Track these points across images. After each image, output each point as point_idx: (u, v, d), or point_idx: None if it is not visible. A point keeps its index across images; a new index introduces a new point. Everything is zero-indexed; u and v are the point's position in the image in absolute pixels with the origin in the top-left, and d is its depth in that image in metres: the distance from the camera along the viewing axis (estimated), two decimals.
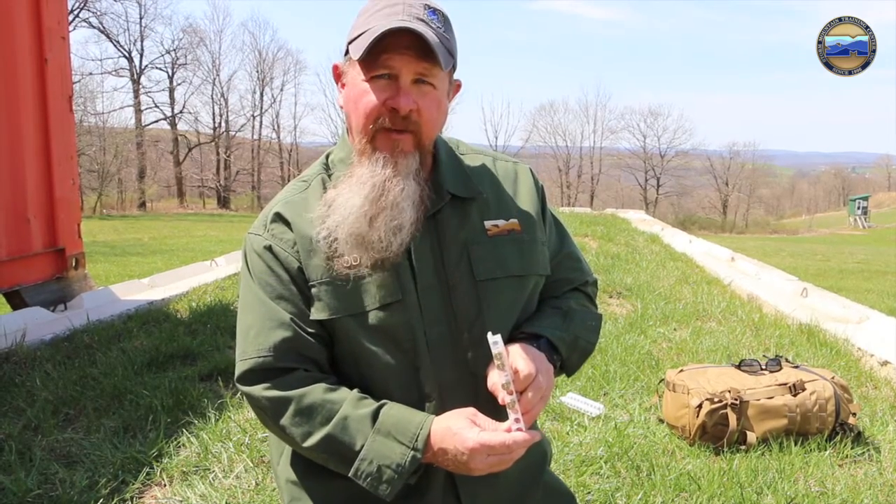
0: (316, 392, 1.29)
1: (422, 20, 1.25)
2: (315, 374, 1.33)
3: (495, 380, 1.26)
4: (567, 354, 1.42)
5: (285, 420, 1.29)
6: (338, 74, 1.37)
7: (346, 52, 1.32)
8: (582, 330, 1.46)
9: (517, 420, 1.22)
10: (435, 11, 1.29)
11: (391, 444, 1.25)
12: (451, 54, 1.30)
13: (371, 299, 1.30)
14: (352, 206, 1.27)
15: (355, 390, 1.31)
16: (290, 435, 1.30)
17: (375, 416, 1.27)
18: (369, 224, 1.27)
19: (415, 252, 1.33)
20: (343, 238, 1.28)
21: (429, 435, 1.25)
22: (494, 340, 1.23)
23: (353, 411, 1.27)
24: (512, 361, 1.27)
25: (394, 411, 1.28)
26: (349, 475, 1.27)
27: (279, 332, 1.31)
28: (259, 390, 1.31)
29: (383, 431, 1.26)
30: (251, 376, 1.32)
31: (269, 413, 1.31)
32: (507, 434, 1.21)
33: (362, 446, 1.26)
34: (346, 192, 1.29)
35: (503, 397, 1.23)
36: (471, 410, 1.26)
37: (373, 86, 1.27)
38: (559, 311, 1.47)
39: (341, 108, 1.37)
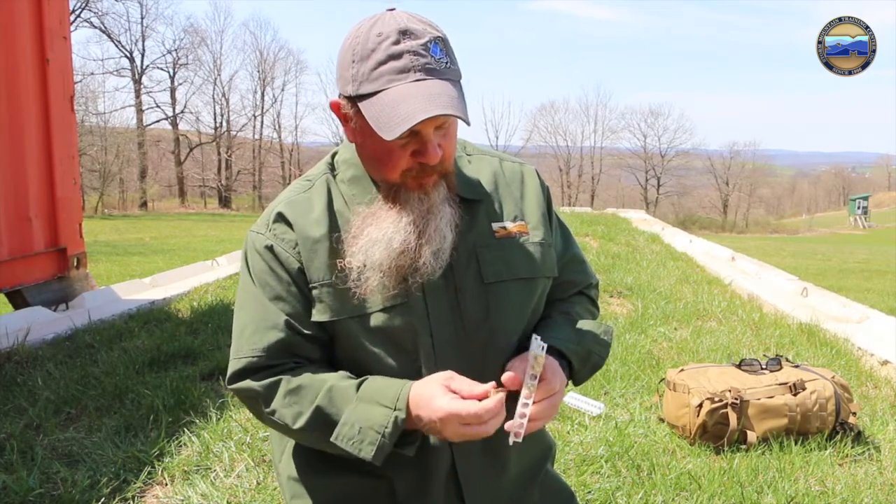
0: (304, 374, 1.30)
1: (432, 69, 1.21)
2: (305, 365, 1.33)
3: (510, 376, 1.26)
4: (579, 368, 1.42)
5: (276, 402, 1.29)
6: (341, 114, 1.32)
7: (350, 98, 1.26)
8: (595, 345, 1.46)
9: (521, 423, 1.23)
10: (436, 44, 1.23)
11: (373, 408, 1.24)
12: (462, 89, 1.27)
13: (374, 301, 1.30)
14: (398, 240, 1.26)
15: (342, 371, 1.31)
16: (282, 418, 1.29)
17: (359, 386, 1.27)
18: (415, 254, 1.27)
19: None
20: (385, 268, 1.27)
21: (409, 396, 1.24)
22: (541, 345, 1.23)
23: (339, 382, 1.28)
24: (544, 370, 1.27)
25: (375, 381, 1.28)
26: (331, 440, 1.26)
27: (274, 334, 1.31)
28: (249, 382, 1.31)
29: (365, 398, 1.25)
30: (245, 373, 1.32)
31: (261, 398, 1.31)
32: (478, 404, 1.19)
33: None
34: (385, 226, 1.28)
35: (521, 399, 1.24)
36: (447, 374, 1.25)
37: (395, 143, 1.24)
38: (569, 319, 1.46)
39: (350, 140, 1.35)
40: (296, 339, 1.32)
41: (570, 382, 1.46)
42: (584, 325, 1.47)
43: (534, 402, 1.25)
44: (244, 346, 1.33)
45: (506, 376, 1.27)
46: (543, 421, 1.28)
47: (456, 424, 1.20)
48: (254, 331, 1.32)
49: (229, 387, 1.35)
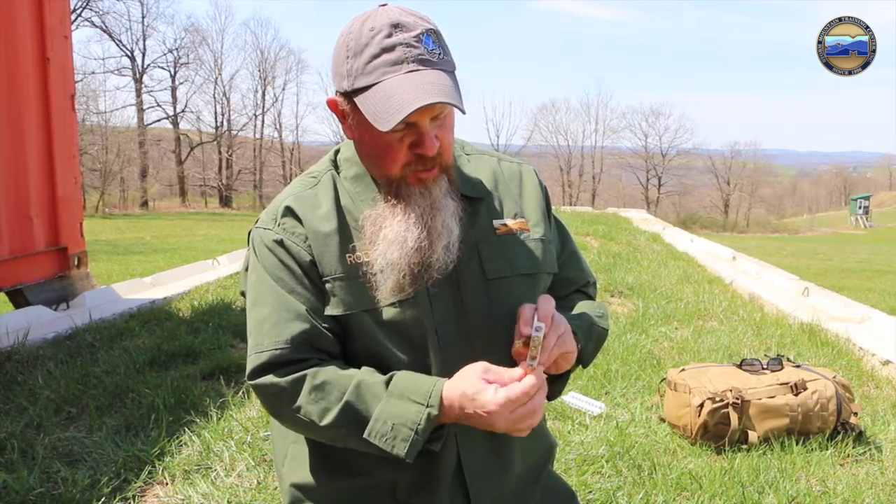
0: (329, 370, 1.28)
1: (425, 60, 1.22)
2: (328, 361, 1.31)
3: (519, 348, 1.26)
4: (584, 343, 1.41)
5: (302, 399, 1.27)
6: (338, 111, 1.32)
7: (346, 94, 1.27)
8: (594, 318, 1.46)
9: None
10: (429, 36, 1.23)
11: (405, 404, 1.23)
12: (456, 79, 1.27)
13: (385, 296, 1.30)
14: (411, 237, 1.27)
15: (366, 367, 1.30)
16: (308, 415, 1.27)
17: (388, 381, 1.26)
18: (430, 250, 1.28)
19: None
20: (401, 267, 1.27)
21: (442, 394, 1.23)
22: (538, 326, 1.23)
23: (368, 378, 1.27)
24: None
25: (405, 376, 1.27)
26: (363, 436, 1.24)
27: (296, 324, 1.29)
28: (272, 378, 1.28)
29: (396, 394, 1.24)
30: (265, 370, 1.29)
31: (286, 396, 1.28)
32: (520, 384, 1.19)
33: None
34: (396, 226, 1.28)
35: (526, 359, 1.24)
36: (481, 367, 1.23)
37: (392, 137, 1.25)
38: (567, 309, 1.47)
39: (349, 137, 1.36)
40: (317, 331, 1.30)
41: (581, 364, 1.45)
42: (578, 306, 1.48)
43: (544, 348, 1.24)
44: (265, 339, 1.30)
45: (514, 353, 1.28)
46: (553, 353, 1.26)
47: (507, 412, 1.19)
48: (275, 323, 1.30)
49: (250, 382, 1.32)
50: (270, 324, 1.30)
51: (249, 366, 1.31)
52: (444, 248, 1.28)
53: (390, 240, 1.27)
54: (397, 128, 1.21)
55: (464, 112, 1.25)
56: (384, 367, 1.32)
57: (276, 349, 1.29)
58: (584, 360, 1.45)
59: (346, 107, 1.29)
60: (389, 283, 1.28)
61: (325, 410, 1.26)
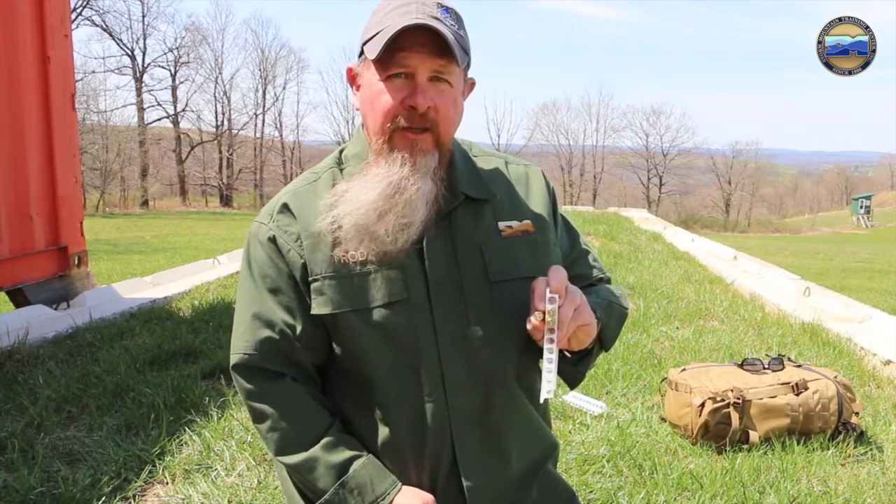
0: (294, 419, 1.35)
1: (436, 18, 1.26)
2: (300, 385, 1.37)
3: (535, 322, 1.26)
4: (606, 320, 1.41)
5: (261, 429, 1.38)
6: (352, 77, 1.37)
7: (361, 54, 1.32)
8: (612, 297, 1.46)
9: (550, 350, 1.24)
10: (448, 10, 1.29)
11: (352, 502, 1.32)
12: (466, 52, 1.30)
13: (377, 296, 1.31)
14: (364, 200, 1.28)
15: (331, 433, 1.35)
16: (264, 439, 1.39)
17: (345, 468, 1.32)
18: (378, 218, 1.27)
19: (427, 251, 1.32)
20: (347, 227, 1.29)
21: None
22: (552, 297, 1.23)
23: (324, 456, 1.33)
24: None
25: (364, 471, 1.32)
26: None
27: (265, 332, 1.35)
28: (244, 392, 1.38)
29: (349, 487, 1.31)
30: (239, 370, 1.38)
31: (251, 415, 1.40)
32: None
33: (324, 490, 1.32)
34: (359, 186, 1.30)
35: (545, 334, 1.25)
36: (428, 501, 1.31)
37: (389, 85, 1.27)
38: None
39: (357, 109, 1.38)
40: (287, 339, 1.35)
41: (603, 346, 1.44)
42: (594, 289, 1.48)
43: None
44: (238, 342, 1.38)
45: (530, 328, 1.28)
46: (570, 326, 1.26)
47: None
48: (247, 327, 1.36)
49: (231, 373, 1.41)
50: (244, 327, 1.37)
51: (230, 361, 1.40)
52: (397, 225, 1.28)
53: (347, 198, 1.30)
54: (394, 70, 1.26)
55: (458, 64, 1.26)
56: (368, 367, 1.33)
57: (246, 353, 1.36)
58: (605, 339, 1.43)
59: (360, 67, 1.34)
60: (352, 245, 1.30)
61: (278, 451, 1.35)
